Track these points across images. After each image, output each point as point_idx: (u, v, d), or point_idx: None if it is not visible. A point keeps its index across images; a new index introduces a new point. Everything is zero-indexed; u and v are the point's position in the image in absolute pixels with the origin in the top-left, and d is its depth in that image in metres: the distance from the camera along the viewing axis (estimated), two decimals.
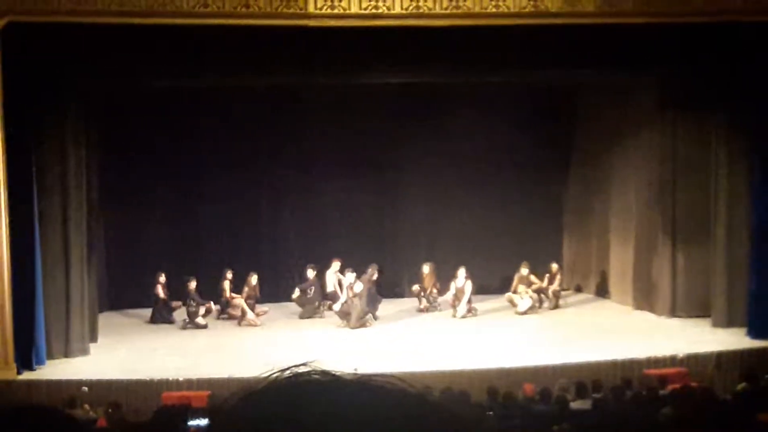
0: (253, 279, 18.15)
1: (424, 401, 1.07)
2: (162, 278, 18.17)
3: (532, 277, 18.84)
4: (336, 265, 18.71)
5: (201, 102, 18.68)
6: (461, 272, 18.29)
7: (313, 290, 18.57)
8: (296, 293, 18.66)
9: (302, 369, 1.11)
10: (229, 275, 18.30)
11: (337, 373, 1.10)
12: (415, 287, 19.18)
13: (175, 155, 19.29)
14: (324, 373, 1.10)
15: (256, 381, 1.10)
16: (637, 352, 14.83)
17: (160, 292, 18.13)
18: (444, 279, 18.89)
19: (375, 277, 17.98)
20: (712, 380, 14.04)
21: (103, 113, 17.36)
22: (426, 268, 19.02)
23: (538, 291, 18.88)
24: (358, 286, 17.49)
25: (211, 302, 18.15)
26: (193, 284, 17.75)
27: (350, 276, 17.84)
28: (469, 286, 18.22)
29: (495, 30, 14.72)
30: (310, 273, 18.64)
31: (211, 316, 18.12)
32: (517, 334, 16.80)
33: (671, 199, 17.69)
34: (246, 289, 18.09)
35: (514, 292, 18.71)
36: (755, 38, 15.16)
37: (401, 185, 20.34)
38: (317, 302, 18.52)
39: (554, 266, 19.28)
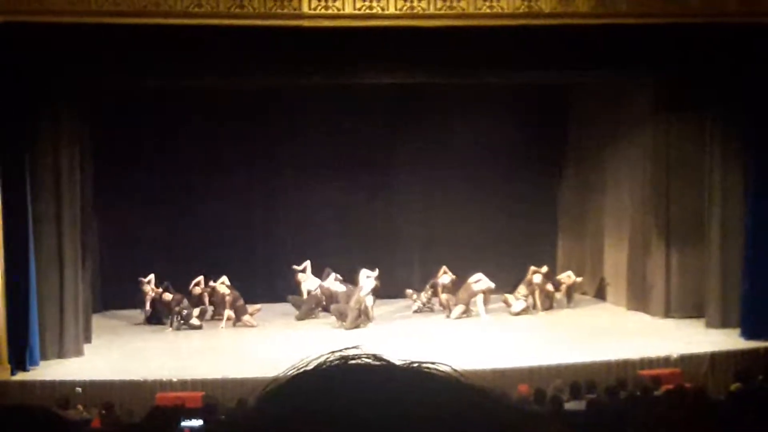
0: (221, 288, 17.93)
1: (479, 390, 1.06)
2: (152, 281, 18.11)
3: (538, 277, 18.83)
4: (329, 272, 18.66)
5: (195, 102, 18.64)
6: (479, 277, 18.30)
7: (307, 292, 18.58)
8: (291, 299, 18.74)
9: (352, 352, 1.09)
10: (200, 281, 18.25)
11: (389, 359, 1.09)
12: (408, 290, 19.12)
13: (169, 155, 19.28)
14: (375, 357, 1.08)
15: (304, 363, 1.08)
16: (631, 352, 14.84)
17: (149, 295, 18.10)
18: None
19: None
20: (706, 381, 14.05)
21: (97, 113, 17.31)
22: (447, 278, 18.88)
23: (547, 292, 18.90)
24: (368, 285, 17.52)
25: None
26: (168, 295, 17.69)
27: (368, 281, 17.74)
28: (480, 297, 18.23)
29: (489, 30, 14.72)
30: (302, 276, 18.64)
31: (206, 312, 18.12)
32: (512, 335, 16.81)
33: (665, 200, 17.71)
34: (217, 295, 17.96)
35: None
36: (749, 39, 15.17)
37: (395, 185, 20.34)
38: (313, 303, 18.50)
39: (570, 276, 19.26)
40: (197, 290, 18.19)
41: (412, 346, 15.88)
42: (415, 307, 18.90)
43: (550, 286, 19.00)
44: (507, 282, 19.48)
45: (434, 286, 18.91)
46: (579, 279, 19.39)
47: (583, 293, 20.18)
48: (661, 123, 17.62)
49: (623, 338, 16.06)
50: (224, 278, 17.97)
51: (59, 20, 13.88)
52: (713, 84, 16.21)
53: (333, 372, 1.05)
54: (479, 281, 18.34)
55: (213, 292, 18.13)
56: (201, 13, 14.06)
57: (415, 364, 1.07)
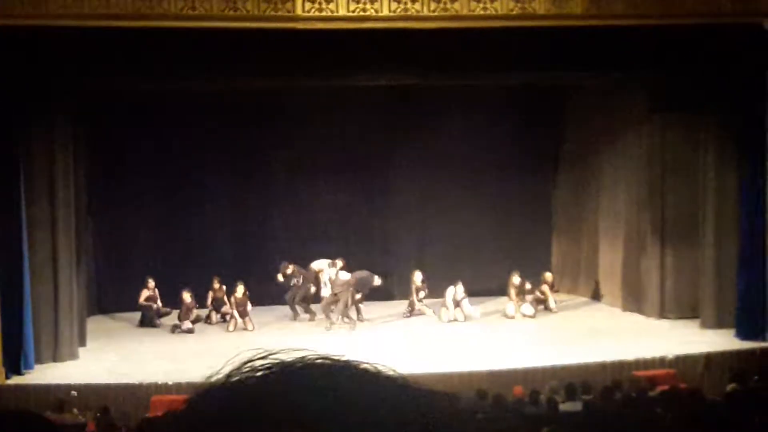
0: (239, 290, 17.78)
1: (425, 392, 1.04)
2: (151, 284, 18.08)
3: (527, 286, 18.75)
4: (339, 263, 18.60)
5: (190, 105, 18.62)
6: (459, 288, 18.18)
7: (299, 282, 18.47)
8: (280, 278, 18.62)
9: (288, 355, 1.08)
10: (216, 284, 18.13)
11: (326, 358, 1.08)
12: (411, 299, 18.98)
13: (164, 159, 19.24)
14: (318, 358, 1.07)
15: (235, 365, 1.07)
16: (626, 353, 14.85)
17: (147, 297, 18.04)
18: (439, 284, 18.99)
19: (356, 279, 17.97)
20: (701, 381, 14.06)
21: (91, 117, 17.30)
22: (418, 277, 18.81)
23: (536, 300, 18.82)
24: (343, 276, 17.55)
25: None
26: (187, 295, 17.60)
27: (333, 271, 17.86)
28: (467, 303, 18.11)
29: (483, 32, 14.73)
30: (289, 270, 18.52)
31: (202, 319, 18.05)
32: (507, 337, 16.81)
33: (660, 200, 17.73)
34: (233, 299, 17.85)
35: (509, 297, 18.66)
36: (744, 40, 15.19)
37: (391, 187, 20.31)
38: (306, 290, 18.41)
39: (548, 275, 19.19)
40: (218, 294, 18.11)
41: (408, 349, 15.91)
42: (407, 314, 18.72)
43: (539, 293, 18.92)
44: (501, 281, 19.56)
45: (418, 291, 18.80)
46: (548, 274, 19.33)
47: (567, 292, 20.21)
48: (656, 124, 17.64)
49: (618, 339, 16.06)
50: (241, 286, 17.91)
51: (53, 24, 13.86)
52: (708, 85, 16.23)
53: (267, 374, 1.04)
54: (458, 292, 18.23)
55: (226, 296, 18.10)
56: (194, 16, 14.05)
57: (351, 363, 1.05)
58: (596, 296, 19.95)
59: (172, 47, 14.61)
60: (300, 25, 14.32)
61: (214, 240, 19.63)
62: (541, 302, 18.90)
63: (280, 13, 14.19)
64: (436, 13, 14.44)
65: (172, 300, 18.04)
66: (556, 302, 18.92)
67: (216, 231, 19.66)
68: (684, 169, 17.42)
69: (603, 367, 14.37)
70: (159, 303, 18.16)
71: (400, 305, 19.08)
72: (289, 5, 14.17)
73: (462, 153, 19.87)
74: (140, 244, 19.42)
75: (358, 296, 17.80)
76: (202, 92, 17.99)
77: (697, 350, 15.07)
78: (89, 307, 17.60)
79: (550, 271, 19.66)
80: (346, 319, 17.56)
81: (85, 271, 16.98)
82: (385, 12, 14.38)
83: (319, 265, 18.64)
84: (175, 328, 17.58)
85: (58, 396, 13.15)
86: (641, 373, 14.07)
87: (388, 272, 19.76)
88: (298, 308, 18.53)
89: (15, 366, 14.53)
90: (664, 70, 16.28)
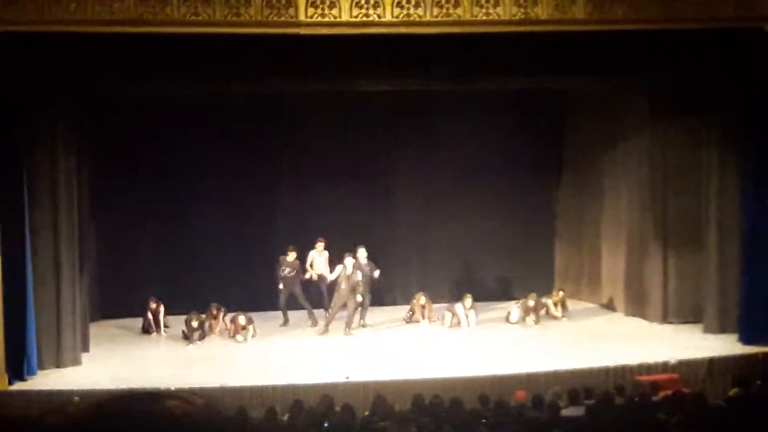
0: (241, 319, 17.41)
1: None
2: (152, 305, 17.96)
3: (545, 300, 18.69)
4: (320, 245, 18.56)
5: (193, 111, 18.64)
6: (467, 302, 18.13)
7: (294, 272, 18.39)
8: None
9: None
10: (214, 310, 17.88)
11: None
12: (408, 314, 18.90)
13: (167, 164, 19.24)
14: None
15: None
16: (629, 358, 14.85)
17: (151, 317, 17.96)
18: (439, 286, 18.94)
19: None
20: (704, 386, 14.05)
21: (95, 122, 17.31)
22: (422, 299, 18.62)
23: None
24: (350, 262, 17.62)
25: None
26: (195, 323, 17.33)
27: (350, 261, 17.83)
28: (473, 315, 18.07)
29: (485, 37, 14.73)
30: (291, 256, 18.41)
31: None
32: (509, 342, 16.80)
33: (662, 204, 17.73)
34: (232, 327, 17.70)
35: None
36: (746, 44, 15.20)
37: (393, 192, 20.31)
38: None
39: (561, 293, 19.07)
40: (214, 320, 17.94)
41: (410, 354, 15.91)
42: (406, 318, 18.69)
43: (547, 310, 18.77)
44: (504, 286, 19.52)
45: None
46: (562, 293, 19.14)
47: (570, 296, 20.18)
48: (658, 128, 17.64)
49: (621, 344, 16.06)
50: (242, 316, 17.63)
51: (57, 29, 13.86)
52: (710, 89, 16.25)
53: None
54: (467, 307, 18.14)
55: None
56: (197, 22, 14.05)
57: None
58: (599, 301, 19.93)
59: (175, 52, 14.61)
60: (303, 31, 14.32)
61: (218, 245, 19.60)
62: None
63: (283, 18, 14.20)
64: (438, 19, 14.44)
65: (175, 304, 18.02)
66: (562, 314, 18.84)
67: (220, 236, 19.63)
68: (686, 173, 17.42)
69: (606, 372, 14.37)
70: (162, 318, 18.09)
71: (402, 310, 19.07)
72: (291, 11, 14.18)
73: (464, 157, 19.88)
74: (144, 249, 19.40)
75: (359, 298, 17.70)
76: (205, 96, 17.99)
77: (700, 355, 15.06)
78: (92, 312, 17.56)
79: (561, 288, 19.37)
80: (348, 328, 17.50)
81: (87, 277, 16.95)
82: (388, 17, 14.38)
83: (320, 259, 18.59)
84: (185, 335, 17.38)
85: (61, 402, 13.14)
86: (644, 377, 14.06)
87: (390, 276, 19.76)
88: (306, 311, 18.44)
89: (18, 372, 14.52)
90: (667, 74, 16.27)
